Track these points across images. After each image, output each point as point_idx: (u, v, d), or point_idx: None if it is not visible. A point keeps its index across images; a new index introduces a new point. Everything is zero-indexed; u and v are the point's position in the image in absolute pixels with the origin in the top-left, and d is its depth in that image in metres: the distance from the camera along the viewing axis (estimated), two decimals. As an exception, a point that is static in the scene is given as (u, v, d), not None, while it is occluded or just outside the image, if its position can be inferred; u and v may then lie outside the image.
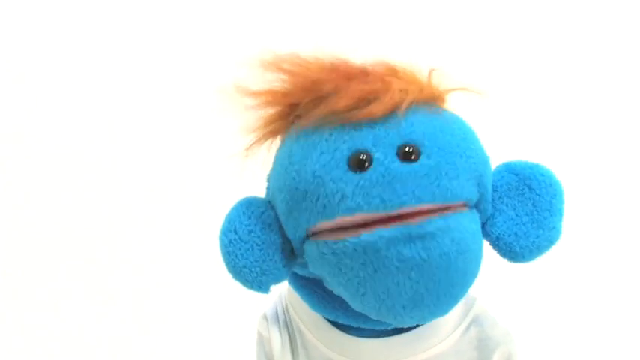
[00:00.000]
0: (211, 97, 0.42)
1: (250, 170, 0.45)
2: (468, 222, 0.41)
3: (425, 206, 0.39)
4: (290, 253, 0.43)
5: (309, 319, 0.49)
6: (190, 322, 0.90)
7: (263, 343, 0.51)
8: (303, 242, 0.42)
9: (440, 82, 0.43)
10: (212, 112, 0.44)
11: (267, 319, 0.51)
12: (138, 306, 0.91)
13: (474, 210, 0.43)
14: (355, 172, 0.39)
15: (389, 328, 0.46)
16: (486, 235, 0.44)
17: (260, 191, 0.46)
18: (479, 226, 0.43)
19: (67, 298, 0.91)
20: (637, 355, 0.88)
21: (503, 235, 0.43)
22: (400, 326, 0.45)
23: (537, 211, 0.43)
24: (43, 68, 0.92)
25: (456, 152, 0.41)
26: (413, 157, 0.40)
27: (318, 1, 0.93)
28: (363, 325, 0.46)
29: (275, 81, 0.42)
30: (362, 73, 0.42)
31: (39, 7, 0.91)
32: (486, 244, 0.44)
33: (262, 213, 0.43)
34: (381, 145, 0.40)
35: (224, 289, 0.60)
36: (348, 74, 0.41)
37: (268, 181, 0.45)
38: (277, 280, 0.44)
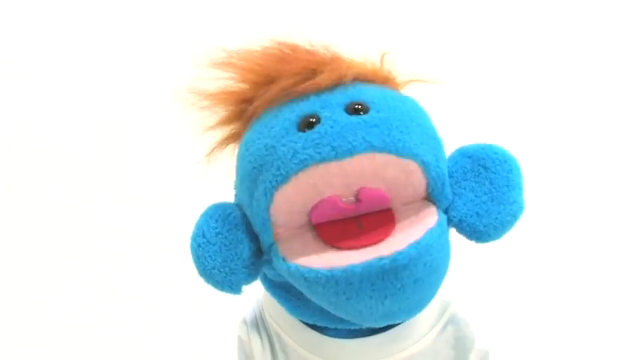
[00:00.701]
0: (168, 100, 0.43)
1: (217, 176, 0.46)
2: (438, 237, 0.40)
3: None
4: (259, 252, 0.43)
5: (285, 322, 0.49)
6: (166, 333, 0.90)
7: (244, 347, 0.51)
8: (271, 247, 0.42)
9: (392, 67, 0.44)
10: (170, 116, 0.45)
11: (246, 324, 0.51)
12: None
13: (442, 214, 0.42)
14: (304, 131, 0.40)
15: (363, 327, 0.46)
16: (449, 220, 0.43)
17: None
18: (447, 233, 0.42)
19: (54, 301, 0.92)
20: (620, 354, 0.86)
21: (465, 216, 0.43)
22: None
23: (495, 188, 0.43)
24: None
25: (407, 116, 0.41)
26: (362, 112, 0.40)
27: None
28: (339, 326, 0.46)
29: (227, 79, 0.43)
30: (308, 53, 0.43)
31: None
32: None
33: (229, 214, 0.44)
34: (328, 106, 0.40)
35: (200, 296, 0.60)
36: (296, 59, 0.42)
37: (235, 188, 0.46)
38: (247, 280, 0.44)
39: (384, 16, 0.94)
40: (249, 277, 0.44)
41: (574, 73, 0.96)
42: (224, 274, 0.43)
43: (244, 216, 0.43)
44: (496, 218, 0.42)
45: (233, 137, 0.46)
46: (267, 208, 0.41)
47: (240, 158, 0.43)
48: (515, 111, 0.95)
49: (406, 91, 0.44)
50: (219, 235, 0.43)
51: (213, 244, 0.43)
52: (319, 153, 0.39)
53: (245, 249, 0.43)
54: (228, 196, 0.46)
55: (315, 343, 0.48)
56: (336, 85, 0.41)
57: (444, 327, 0.48)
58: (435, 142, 0.43)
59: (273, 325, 0.50)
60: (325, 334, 0.47)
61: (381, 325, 0.44)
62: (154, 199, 0.93)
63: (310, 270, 0.39)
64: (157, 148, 0.92)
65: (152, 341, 0.89)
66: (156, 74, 0.89)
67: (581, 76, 0.96)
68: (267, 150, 0.41)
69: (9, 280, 0.92)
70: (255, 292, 0.50)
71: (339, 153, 0.39)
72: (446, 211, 0.43)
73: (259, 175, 0.41)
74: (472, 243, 0.44)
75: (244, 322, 0.51)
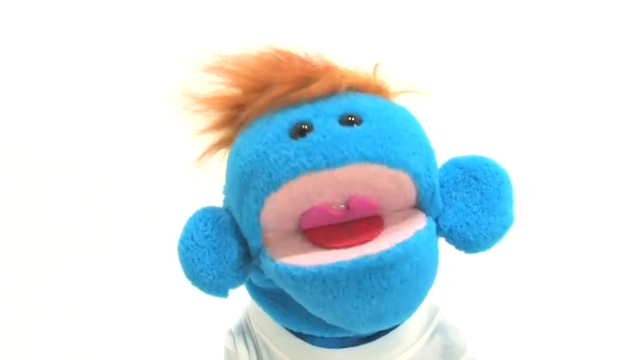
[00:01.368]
0: (160, 103, 0.43)
1: (207, 180, 0.46)
2: (426, 240, 0.40)
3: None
4: (247, 256, 0.43)
5: (272, 331, 0.49)
6: (153, 343, 0.89)
7: (231, 358, 0.51)
8: (260, 251, 0.42)
9: (385, 78, 0.44)
10: (162, 119, 0.44)
11: (233, 335, 0.51)
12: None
13: (431, 219, 0.42)
14: (297, 138, 0.40)
15: (350, 335, 0.46)
16: (439, 230, 0.43)
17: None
18: (436, 239, 0.42)
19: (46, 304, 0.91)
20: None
21: (456, 226, 0.43)
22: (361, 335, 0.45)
23: (486, 199, 0.43)
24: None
25: (400, 126, 0.41)
26: (355, 124, 0.40)
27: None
28: (325, 334, 0.46)
29: (220, 83, 0.43)
30: (303, 62, 0.43)
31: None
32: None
33: (219, 218, 0.43)
34: (322, 115, 0.40)
35: (186, 306, 0.60)
36: (290, 67, 0.42)
37: (224, 193, 0.46)
38: (235, 284, 0.44)
39: (377, 26, 0.94)
40: (237, 281, 0.43)
41: (566, 86, 0.97)
42: (212, 277, 0.42)
43: (233, 220, 0.43)
44: (486, 229, 0.43)
45: (224, 142, 0.45)
46: (258, 214, 0.41)
47: (231, 163, 0.43)
48: (507, 122, 0.96)
49: (399, 101, 0.44)
50: (208, 238, 0.43)
51: (202, 247, 0.42)
52: (311, 161, 0.39)
53: (234, 252, 0.43)
54: (218, 200, 0.46)
55: (303, 352, 0.47)
56: (330, 94, 0.41)
57: (432, 335, 0.48)
58: (427, 152, 0.43)
59: (260, 335, 0.50)
60: (312, 343, 0.47)
61: (369, 332, 0.44)
62: (143, 201, 0.92)
63: (297, 268, 0.39)
64: (150, 151, 0.92)
65: (138, 350, 0.89)
66: (149, 77, 0.89)
67: (572, 89, 0.97)
68: (258, 156, 0.41)
69: (9, 280, 0.91)
70: (242, 302, 0.50)
71: (331, 162, 0.39)
72: (436, 221, 0.43)
73: (250, 181, 0.41)
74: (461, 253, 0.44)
75: (230, 332, 0.51)
